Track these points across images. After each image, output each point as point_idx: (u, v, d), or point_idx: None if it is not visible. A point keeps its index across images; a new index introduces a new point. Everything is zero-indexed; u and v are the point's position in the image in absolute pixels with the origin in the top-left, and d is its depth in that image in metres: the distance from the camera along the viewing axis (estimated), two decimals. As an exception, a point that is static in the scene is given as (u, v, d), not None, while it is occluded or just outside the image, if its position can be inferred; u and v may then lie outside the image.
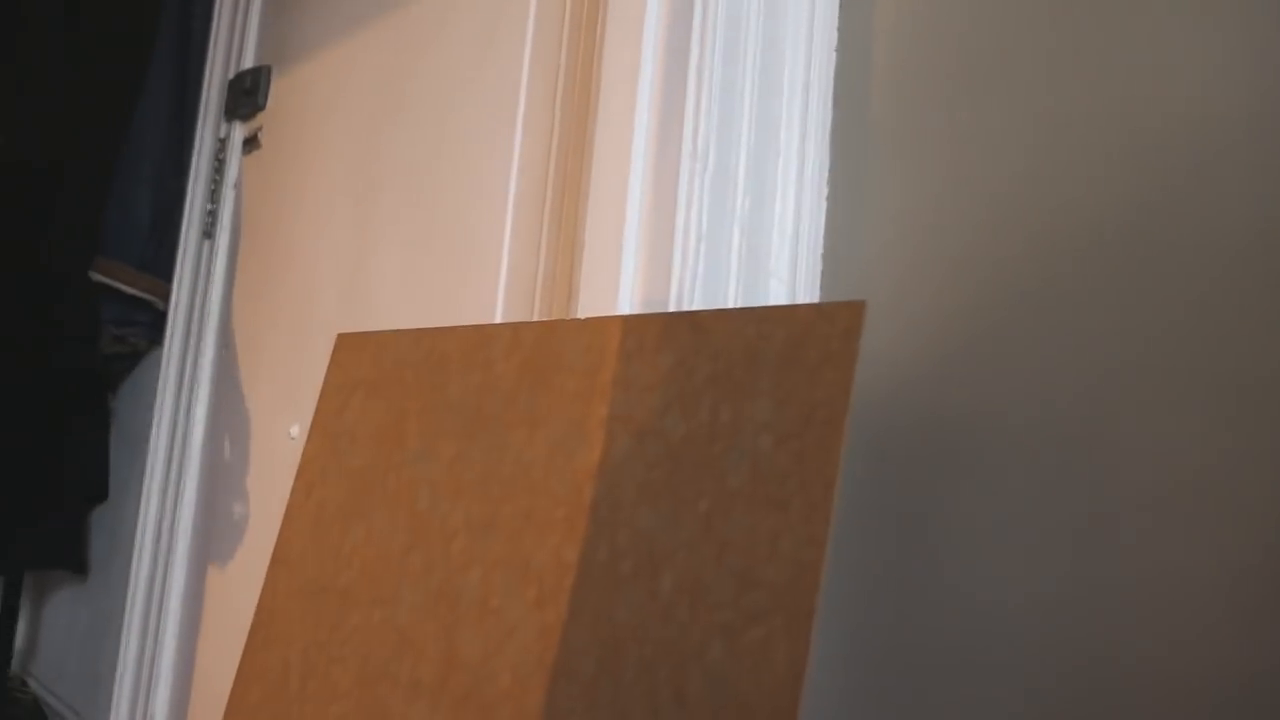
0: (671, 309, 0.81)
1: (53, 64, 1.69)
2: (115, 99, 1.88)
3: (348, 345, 1.06)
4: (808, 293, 0.85)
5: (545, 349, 0.85)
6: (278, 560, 1.01)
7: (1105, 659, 0.72)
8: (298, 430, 1.54)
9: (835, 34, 0.88)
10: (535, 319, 1.01)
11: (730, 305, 0.82)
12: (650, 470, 0.75)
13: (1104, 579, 0.72)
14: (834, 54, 0.88)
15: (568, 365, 0.83)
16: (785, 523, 0.67)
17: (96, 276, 1.78)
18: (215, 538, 1.66)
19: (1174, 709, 0.69)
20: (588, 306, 0.86)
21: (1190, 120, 0.72)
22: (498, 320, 1.13)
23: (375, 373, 1.03)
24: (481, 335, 0.91)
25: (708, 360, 0.74)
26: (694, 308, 0.82)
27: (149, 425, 1.84)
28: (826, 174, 0.87)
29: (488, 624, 0.83)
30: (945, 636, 0.77)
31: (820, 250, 0.86)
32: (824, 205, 0.87)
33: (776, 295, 0.84)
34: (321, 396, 1.06)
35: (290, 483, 1.49)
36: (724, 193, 0.83)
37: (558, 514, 0.81)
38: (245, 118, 1.77)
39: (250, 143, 1.75)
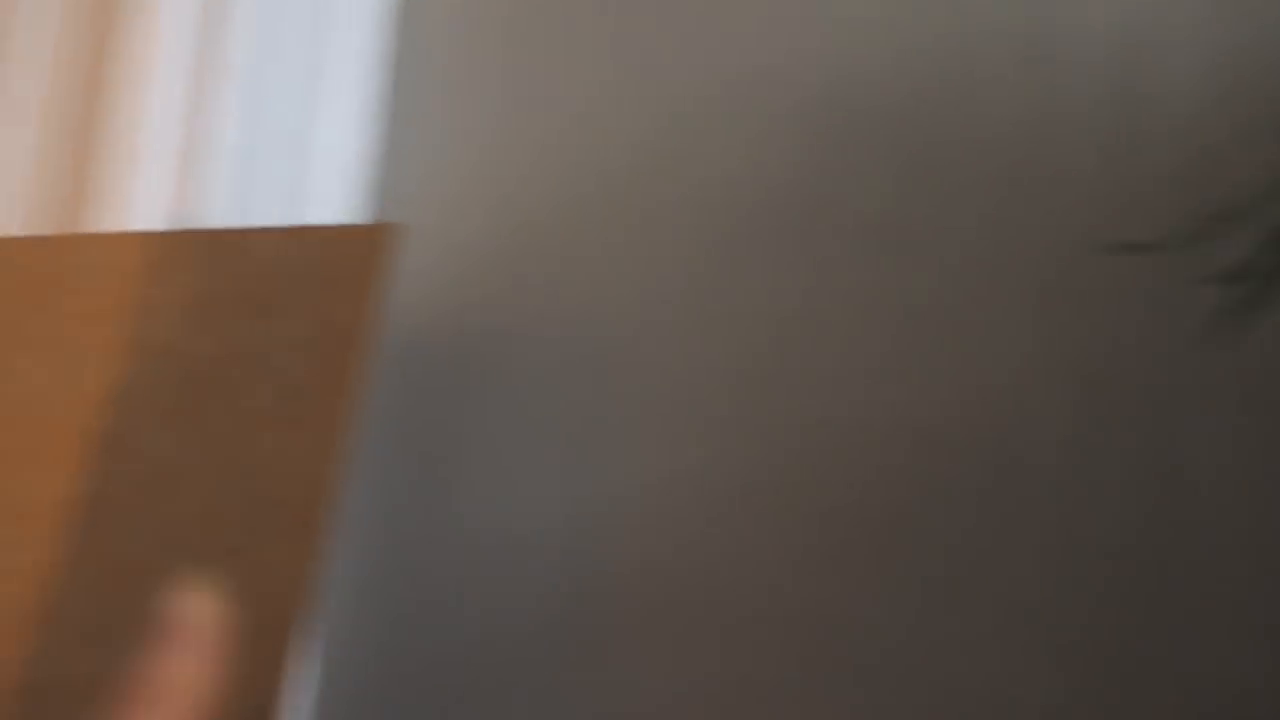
0: (204, 227, 0.77)
1: None
2: None
3: None
4: (352, 216, 0.84)
5: (51, 265, 0.77)
6: None
7: (616, 558, 0.78)
8: None
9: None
10: (37, 233, 0.91)
11: (269, 225, 0.79)
12: (170, 393, 0.70)
13: (602, 485, 0.78)
14: (388, -15, 0.87)
15: (74, 283, 0.76)
16: (304, 442, 0.65)
17: None
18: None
19: (650, 599, 0.76)
20: (105, 220, 0.79)
21: (709, 89, 0.80)
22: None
23: None
24: (-21, 251, 0.81)
25: (233, 279, 0.71)
26: (229, 226, 0.78)
27: None
28: (380, 103, 0.86)
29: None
30: (464, 542, 0.79)
31: (369, 176, 0.85)
32: (375, 133, 0.86)
33: (320, 217, 0.82)
34: None
35: None
36: (263, 110, 0.79)
37: (62, 446, 0.73)
38: None
39: None
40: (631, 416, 0.77)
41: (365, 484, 0.79)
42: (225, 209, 0.79)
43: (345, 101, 0.85)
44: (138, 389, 0.72)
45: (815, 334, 0.75)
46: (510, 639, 0.77)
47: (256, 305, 0.70)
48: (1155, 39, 0.69)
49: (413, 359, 0.80)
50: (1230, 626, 0.67)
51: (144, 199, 0.78)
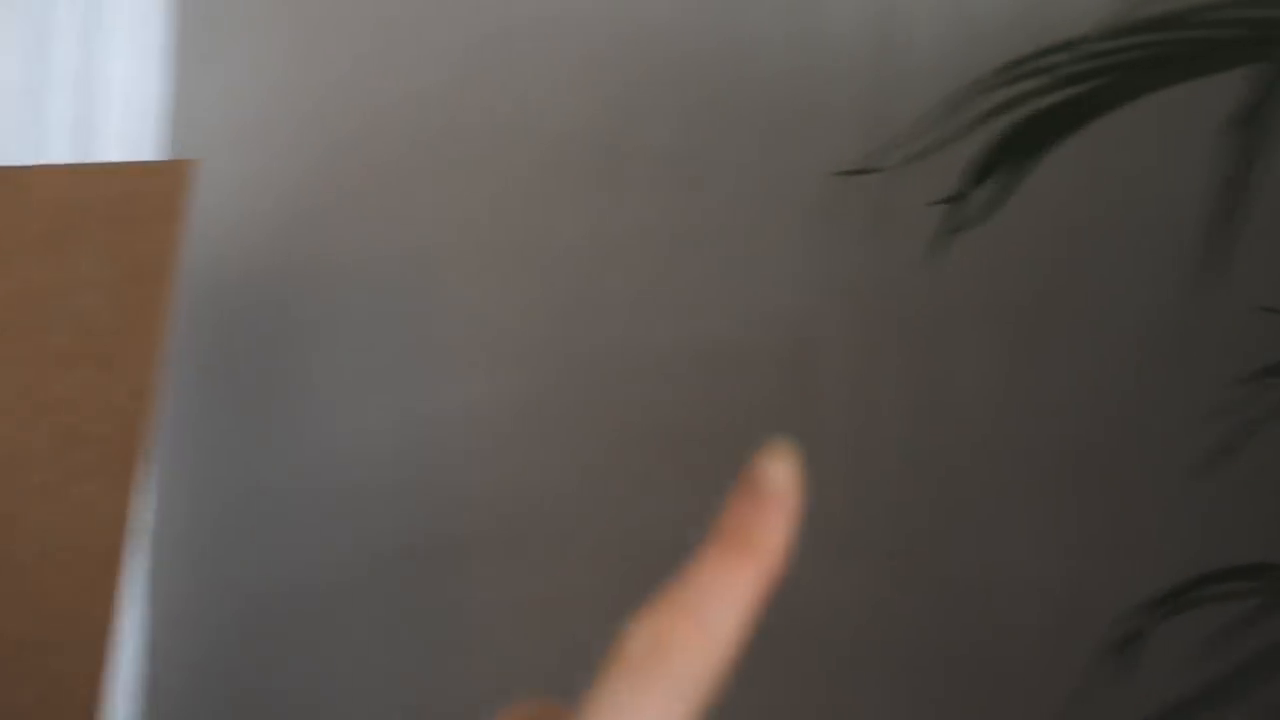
0: (-14, 165, 0.75)
1: None
2: None
3: None
4: (146, 154, 0.84)
5: None
6: None
7: (433, 483, 0.82)
8: None
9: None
10: None
11: (57, 163, 0.79)
12: (-38, 336, 0.70)
13: (427, 411, 0.82)
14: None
15: None
16: (113, 378, 0.66)
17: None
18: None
19: (474, 519, 0.81)
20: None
21: (512, 19, 0.83)
22: None
23: None
24: None
25: (26, 218, 0.70)
26: (14, 165, 0.76)
27: None
28: (171, 41, 0.86)
29: None
30: (289, 475, 0.82)
31: (161, 114, 0.85)
32: (167, 71, 0.85)
33: (111, 155, 0.82)
34: None
35: None
36: (47, 48, 0.78)
37: None
38: None
39: None
40: (445, 345, 0.81)
41: (182, 422, 0.80)
42: (11, 148, 0.78)
43: (133, 39, 0.84)
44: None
45: (616, 262, 0.81)
46: (341, 566, 0.81)
47: (50, 244, 0.70)
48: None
49: (219, 296, 0.81)
50: (1003, 524, 0.77)
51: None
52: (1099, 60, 0.55)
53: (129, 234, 0.69)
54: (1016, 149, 0.55)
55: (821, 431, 0.79)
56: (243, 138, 0.85)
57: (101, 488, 0.65)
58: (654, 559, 0.79)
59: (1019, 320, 0.76)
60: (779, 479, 0.22)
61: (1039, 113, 0.55)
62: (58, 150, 0.80)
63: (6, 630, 0.65)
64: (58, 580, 0.65)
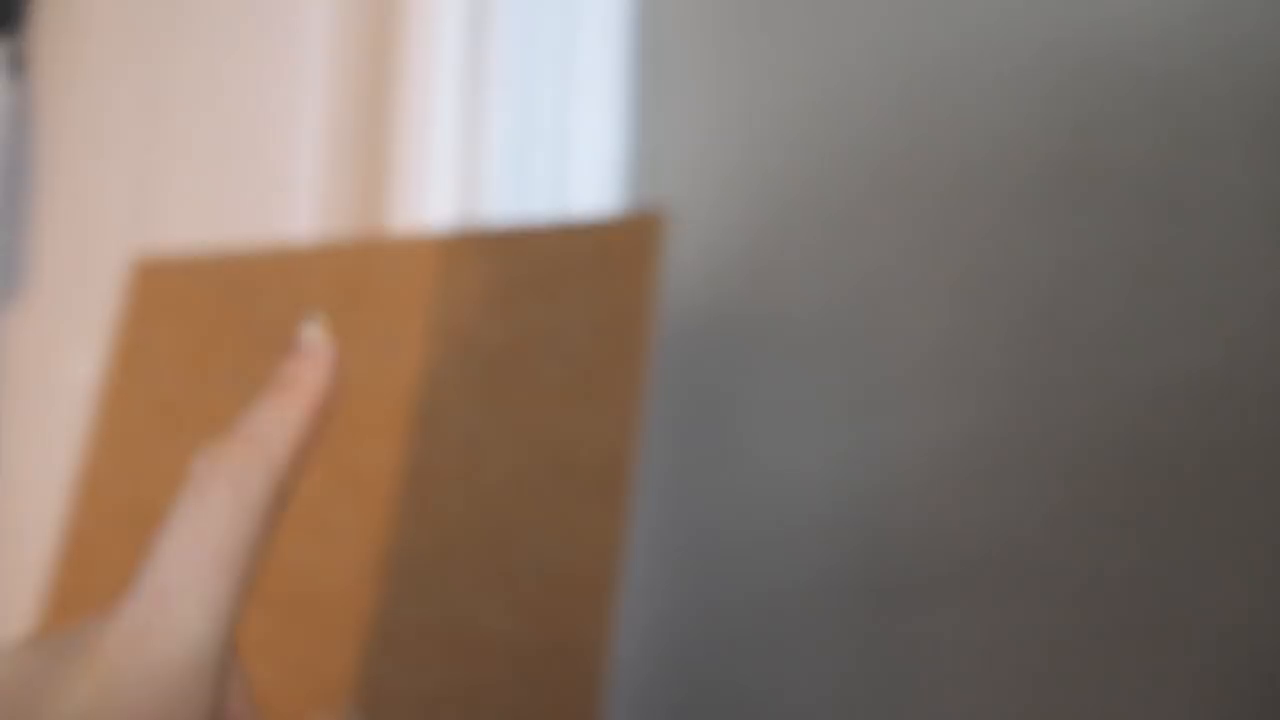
0: (483, 224, 0.86)
1: None
2: None
3: (148, 270, 1.05)
4: (611, 205, 0.91)
5: (360, 268, 0.88)
6: (84, 485, 1.00)
7: (883, 518, 0.83)
8: (85, 368, 1.49)
9: (629, -39, 0.93)
10: (339, 238, 1.02)
11: (539, 219, 0.88)
12: (470, 375, 0.80)
13: (878, 449, 0.83)
14: (629, -20, 0.93)
15: (383, 282, 0.86)
16: (600, 414, 0.73)
17: None
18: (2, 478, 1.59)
19: (934, 557, 0.81)
20: (399, 225, 0.89)
21: (963, 58, 0.82)
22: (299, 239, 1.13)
23: (179, 298, 1.02)
24: (292, 254, 0.92)
25: (522, 271, 0.79)
26: (505, 223, 0.86)
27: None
28: (624, 92, 0.93)
29: (315, 530, 0.86)
30: (749, 506, 0.86)
31: (622, 165, 0.92)
32: (623, 122, 0.92)
33: (582, 208, 0.90)
34: (122, 325, 1.05)
35: (74, 416, 1.44)
36: (531, 110, 0.87)
37: (380, 421, 0.84)
38: (6, 36, 1.66)
39: (17, 63, 1.65)
40: (899, 378, 0.82)
41: (652, 455, 0.86)
42: (501, 202, 0.88)
43: (599, 95, 0.92)
44: (444, 371, 0.82)
45: (1083, 290, 0.77)
46: (797, 596, 0.84)
47: (543, 294, 0.78)
48: None
49: (685, 336, 0.87)
50: None
51: (432, 198, 0.87)
52: None
53: (608, 281, 0.75)
54: None
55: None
56: (694, 185, 0.90)
57: (594, 513, 0.71)
58: (1117, 595, 0.75)
59: None
60: (314, 337, 0.27)
61: None
62: (539, 202, 0.88)
63: (511, 640, 0.74)
64: (556, 597, 0.72)
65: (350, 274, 0.89)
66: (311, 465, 0.88)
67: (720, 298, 0.89)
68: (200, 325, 0.99)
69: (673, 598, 0.88)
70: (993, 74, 0.81)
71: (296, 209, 1.12)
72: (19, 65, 1.65)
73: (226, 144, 1.25)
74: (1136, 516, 0.75)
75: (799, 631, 0.85)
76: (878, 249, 0.84)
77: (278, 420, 0.25)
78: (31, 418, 1.55)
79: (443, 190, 0.87)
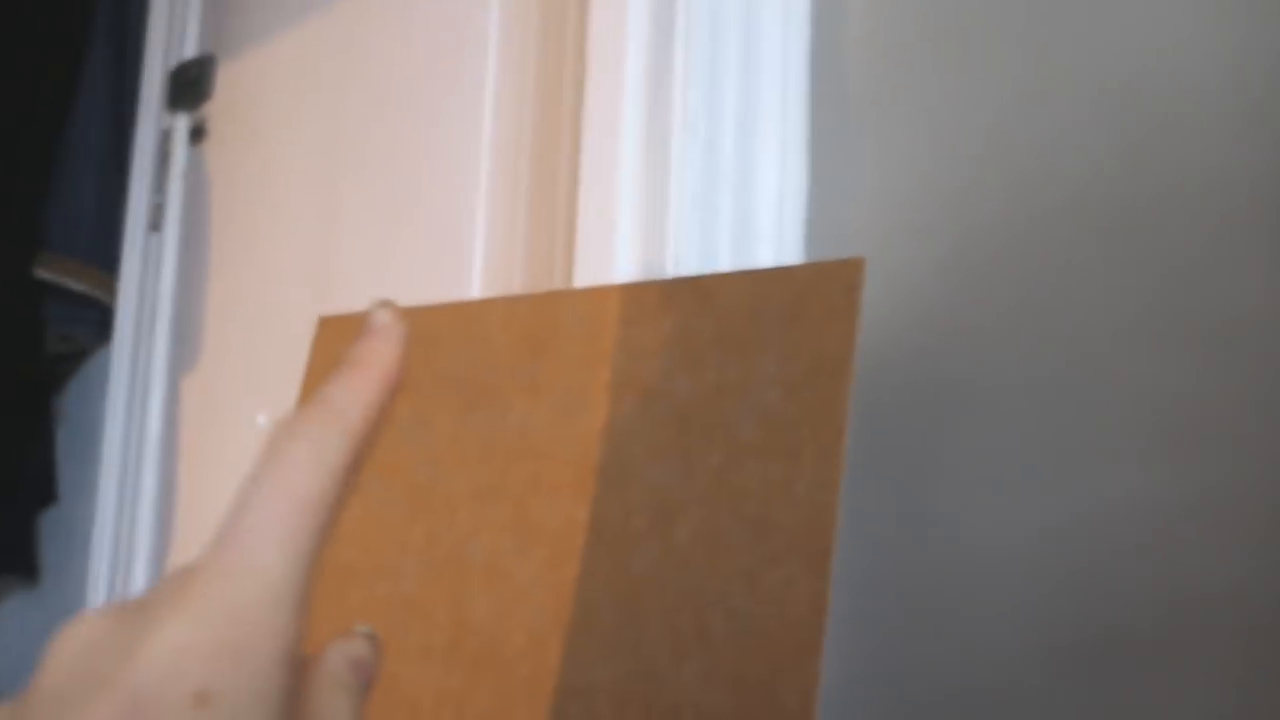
0: (668, 275, 0.84)
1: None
2: (50, 95, 1.84)
3: (331, 327, 1.07)
4: (793, 255, 0.89)
5: (543, 319, 0.87)
6: (273, 541, 1.02)
7: (1095, 588, 0.77)
8: (265, 419, 1.53)
9: (810, 6, 0.92)
10: (529, 288, 1.03)
11: (723, 269, 0.86)
12: (658, 429, 0.78)
13: (1088, 512, 0.78)
14: (809, 25, 0.92)
15: (567, 333, 0.85)
16: (798, 469, 0.70)
17: (41, 274, 1.75)
18: (179, 532, 1.65)
19: (1159, 624, 0.75)
20: (584, 277, 0.89)
21: (1158, 86, 0.78)
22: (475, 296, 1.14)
23: (362, 352, 1.04)
24: (473, 309, 0.93)
25: (710, 322, 0.77)
26: (689, 273, 0.85)
27: (99, 424, 1.82)
28: (807, 141, 0.91)
29: (499, 587, 0.85)
30: (950, 566, 0.81)
31: (804, 214, 0.90)
32: (806, 172, 0.91)
33: (764, 258, 0.88)
34: (305, 379, 1.07)
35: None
36: (714, 160, 0.86)
37: (565, 477, 0.83)
38: (190, 108, 1.75)
39: (198, 133, 1.73)
40: (1111, 431, 0.77)
41: (847, 506, 0.83)
42: (684, 255, 0.86)
43: (781, 144, 0.90)
44: (630, 425, 0.81)
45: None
46: (997, 667, 0.79)
47: (733, 345, 0.76)
48: None
49: (874, 391, 0.84)
50: None
51: (618, 251, 0.87)
52: None
53: (804, 332, 0.73)
54: None
55: None
56: (877, 232, 0.88)
57: (793, 574, 0.68)
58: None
59: None
60: (383, 316, 0.29)
61: None
62: (722, 253, 0.87)
63: (706, 704, 0.71)
64: (755, 662, 0.69)
65: (532, 326, 0.89)
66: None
67: (911, 350, 0.86)
68: (382, 380, 1.00)
69: (864, 667, 0.84)
70: (1198, 89, 0.76)
71: (472, 268, 1.13)
72: (200, 135, 1.74)
73: (400, 203, 1.28)
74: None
75: (1000, 706, 0.80)
76: (1084, 298, 0.79)
77: (353, 392, 0.27)
78: (212, 473, 1.61)
79: (626, 243, 0.87)
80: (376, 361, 0.28)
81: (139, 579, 1.69)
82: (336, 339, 1.06)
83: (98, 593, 1.73)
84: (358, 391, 0.27)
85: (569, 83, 0.99)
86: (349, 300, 1.36)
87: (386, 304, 0.29)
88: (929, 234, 0.86)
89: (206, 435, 1.60)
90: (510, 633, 0.83)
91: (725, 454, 0.74)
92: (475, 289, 1.13)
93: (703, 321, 0.78)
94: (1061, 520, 0.78)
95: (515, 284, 1.07)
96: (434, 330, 0.96)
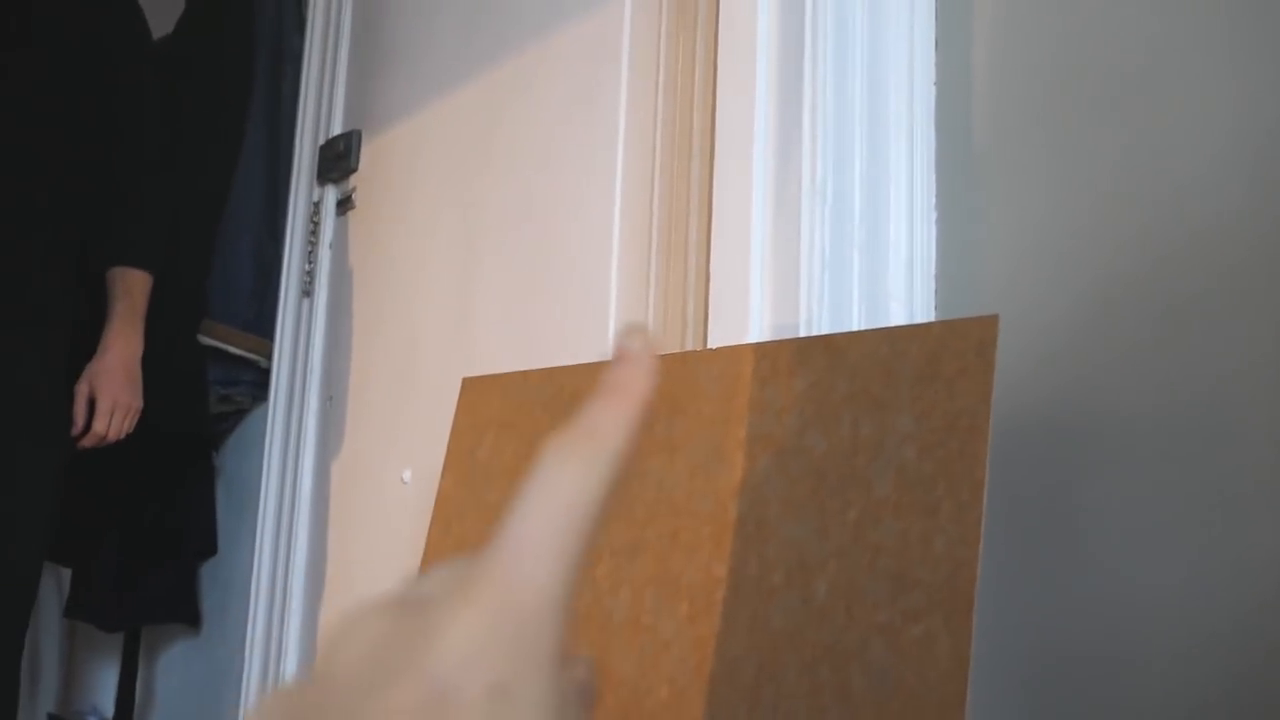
0: (800, 335, 0.86)
1: (160, 144, 1.79)
2: (214, 173, 1.98)
3: (475, 388, 1.12)
4: (924, 312, 0.90)
5: (679, 378, 0.90)
6: (423, 594, 1.07)
7: (1242, 637, 0.75)
8: (410, 474, 1.60)
9: (934, 69, 0.93)
10: (664, 350, 1.06)
11: (855, 328, 0.87)
12: (794, 486, 0.80)
13: (1236, 563, 0.76)
14: (934, 87, 0.93)
15: (703, 392, 0.88)
16: (936, 525, 0.71)
17: (205, 340, 1.87)
18: (331, 585, 1.72)
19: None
20: (718, 338, 0.91)
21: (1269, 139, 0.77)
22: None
23: (505, 412, 1.08)
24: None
25: (844, 379, 0.79)
26: (820, 332, 0.87)
27: (255, 479, 1.92)
28: (934, 199, 0.92)
29: (641, 641, 0.87)
30: (1092, 624, 0.80)
31: (933, 271, 0.91)
32: (934, 229, 0.92)
33: (896, 316, 0.89)
34: (452, 437, 1.12)
35: (406, 524, 1.55)
36: (843, 221, 0.88)
37: (704, 532, 0.85)
38: (338, 180, 1.86)
39: (344, 204, 1.84)
40: (1249, 480, 0.75)
41: (987, 569, 0.83)
42: (820, 312, 0.88)
43: (907, 200, 0.91)
44: (766, 481, 0.83)
45: None
46: (1150, 716, 0.77)
47: (869, 402, 0.77)
48: None
49: (1015, 444, 0.84)
50: None
51: (751, 311, 0.89)
52: None
53: (938, 389, 0.74)
54: None
55: None
56: (1008, 287, 0.88)
57: (934, 630, 0.69)
58: None
59: None
60: (638, 346, 0.30)
61: None
62: (855, 316, 0.88)
63: (850, 758, 0.71)
64: (897, 717, 0.69)
65: (670, 384, 0.92)
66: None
67: (1047, 403, 0.85)
68: (525, 437, 1.04)
69: (1012, 721, 0.83)
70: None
71: (607, 329, 1.17)
72: (346, 205, 1.84)
73: (536, 267, 1.33)
74: None
75: (1154, 764, 0.78)
76: (1221, 342, 0.78)
77: (614, 416, 0.29)
78: (360, 525, 1.68)
79: (759, 304, 0.89)
80: (632, 387, 0.29)
81: (294, 625, 1.77)
82: (480, 398, 1.11)
83: (255, 637, 1.83)
84: (618, 415, 0.29)
85: (699, 148, 1.03)
86: (488, 361, 1.42)
87: (637, 329, 0.31)
88: (1060, 285, 0.86)
89: (355, 490, 1.68)
90: (654, 686, 0.85)
91: (861, 510, 0.75)
92: (610, 350, 1.17)
93: (837, 379, 0.79)
94: (1208, 571, 0.76)
95: (682, 337, 1.10)
96: (573, 390, 1.00)
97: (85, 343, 1.68)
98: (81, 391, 1.64)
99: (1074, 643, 0.81)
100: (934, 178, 0.92)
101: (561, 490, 0.27)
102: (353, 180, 1.83)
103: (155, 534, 2.02)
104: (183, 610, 2.07)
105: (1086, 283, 0.85)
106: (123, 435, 1.68)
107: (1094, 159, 0.86)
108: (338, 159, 1.84)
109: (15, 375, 1.59)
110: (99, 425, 1.64)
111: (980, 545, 0.68)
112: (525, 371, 1.07)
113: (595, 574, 0.93)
